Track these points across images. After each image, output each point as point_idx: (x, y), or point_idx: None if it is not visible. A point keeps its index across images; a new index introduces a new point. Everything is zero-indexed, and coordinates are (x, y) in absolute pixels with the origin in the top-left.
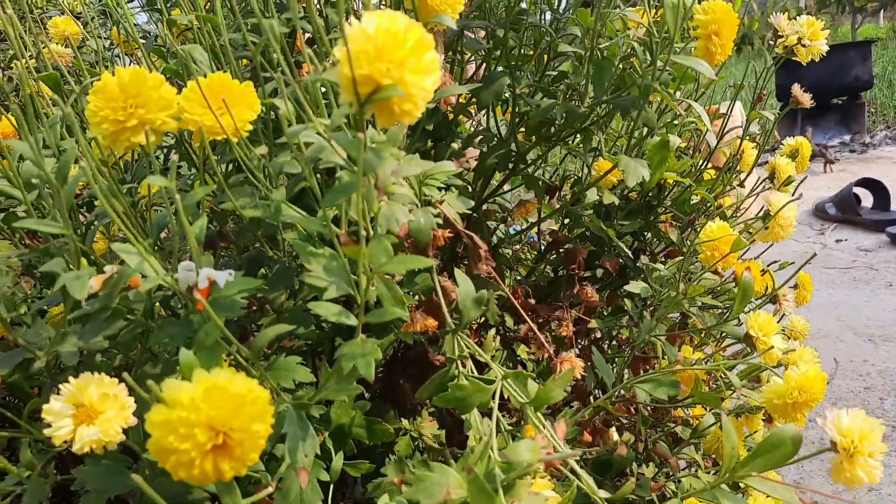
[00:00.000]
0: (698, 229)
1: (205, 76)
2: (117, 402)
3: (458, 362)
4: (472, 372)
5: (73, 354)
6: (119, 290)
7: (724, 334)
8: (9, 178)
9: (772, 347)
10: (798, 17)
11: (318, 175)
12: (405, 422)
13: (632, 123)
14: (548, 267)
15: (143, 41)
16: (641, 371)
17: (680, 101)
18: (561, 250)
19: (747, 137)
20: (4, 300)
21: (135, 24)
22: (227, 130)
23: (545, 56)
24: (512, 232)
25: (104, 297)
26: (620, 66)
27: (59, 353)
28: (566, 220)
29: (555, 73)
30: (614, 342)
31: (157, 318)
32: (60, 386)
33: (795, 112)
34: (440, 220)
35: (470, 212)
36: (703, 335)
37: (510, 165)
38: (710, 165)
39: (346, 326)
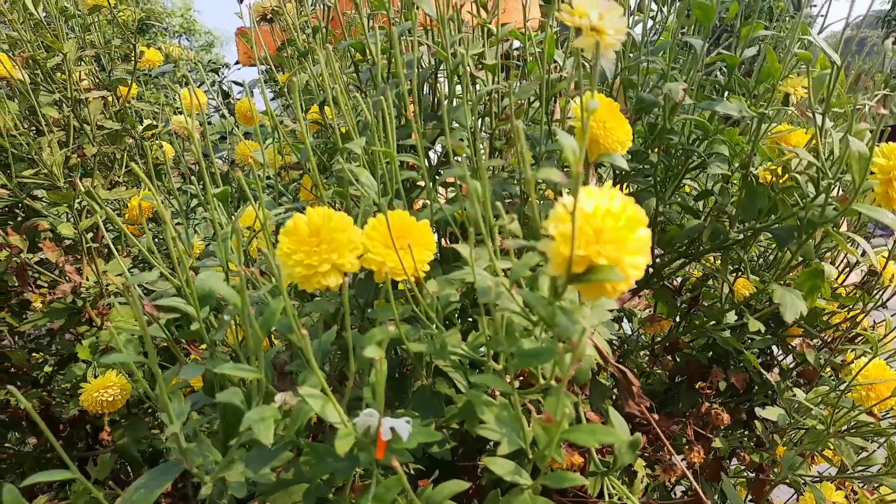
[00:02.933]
0: (838, 353)
1: (375, 204)
2: None
3: None
4: None
5: (241, 486)
6: (296, 430)
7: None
8: (185, 296)
9: None
10: None
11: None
12: None
13: (785, 252)
14: (660, 366)
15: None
16: (764, 491)
17: (847, 237)
18: (677, 356)
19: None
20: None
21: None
22: (408, 271)
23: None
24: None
25: (283, 433)
26: (776, 194)
27: (225, 481)
28: (682, 322)
29: (697, 190)
30: (735, 459)
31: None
32: None
33: None
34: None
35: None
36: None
37: (645, 279)
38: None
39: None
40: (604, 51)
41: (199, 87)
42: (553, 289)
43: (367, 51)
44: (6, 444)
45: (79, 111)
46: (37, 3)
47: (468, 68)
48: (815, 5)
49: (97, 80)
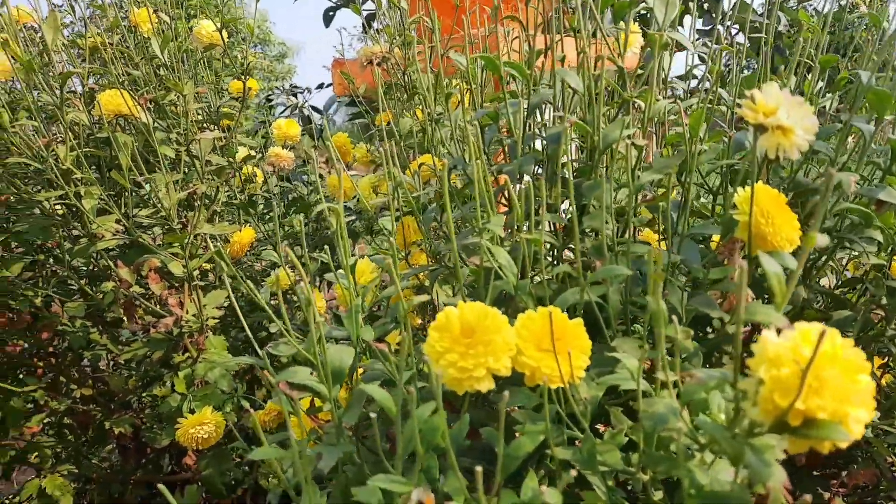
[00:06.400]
0: None
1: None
2: None
3: None
4: None
5: None
6: None
7: None
8: (315, 367)
9: None
10: None
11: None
12: None
13: None
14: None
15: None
16: None
17: None
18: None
19: None
20: None
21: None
22: (565, 377)
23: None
24: None
25: None
26: None
27: None
28: None
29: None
30: None
31: None
32: None
33: None
34: None
35: None
36: None
37: None
38: None
39: None
40: (789, 152)
41: (282, 112)
42: (749, 429)
43: (506, 121)
44: (94, 462)
45: (191, 148)
46: (163, 47)
47: (624, 146)
48: None
49: (206, 115)
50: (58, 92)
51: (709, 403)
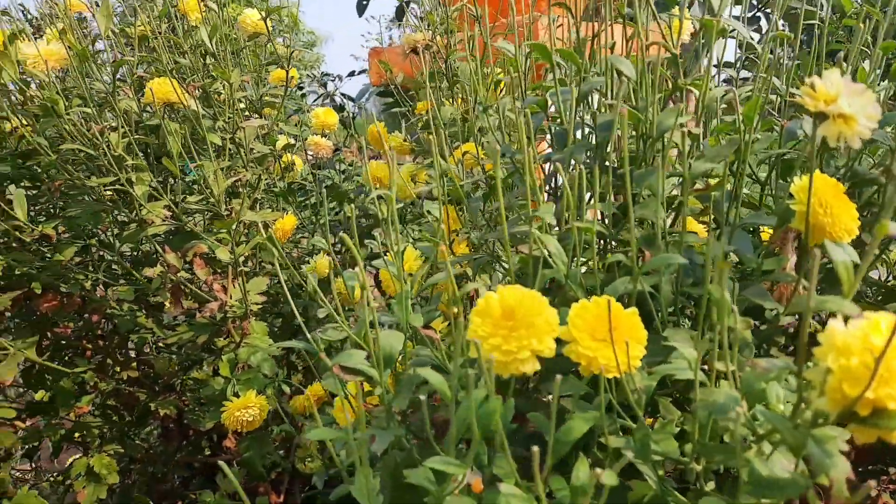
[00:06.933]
0: None
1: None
2: None
3: None
4: None
5: None
6: None
7: None
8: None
9: None
10: None
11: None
12: None
13: None
14: None
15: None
16: None
17: None
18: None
19: None
20: None
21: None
22: (622, 368)
23: None
24: None
25: None
26: None
27: None
28: None
29: None
30: None
31: None
32: None
33: None
34: None
35: None
36: None
37: None
38: None
39: None
40: (850, 140)
41: (315, 101)
42: (812, 420)
43: (554, 108)
44: (137, 442)
45: (235, 136)
46: (212, 35)
47: (679, 134)
48: None
49: (248, 103)
50: (109, 80)
51: (766, 394)
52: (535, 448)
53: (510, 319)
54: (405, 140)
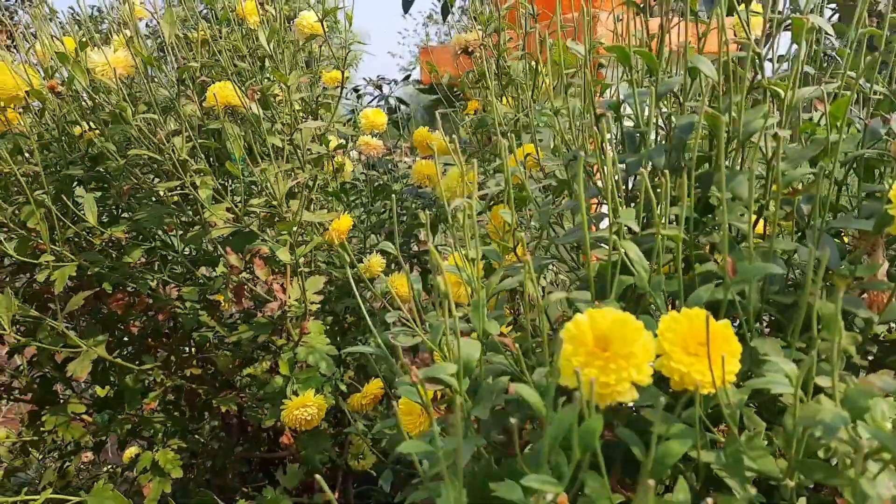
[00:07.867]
0: None
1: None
2: None
3: None
4: None
5: None
6: None
7: None
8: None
9: None
10: None
11: None
12: None
13: None
14: None
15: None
16: None
17: None
18: None
19: None
20: None
21: None
22: (717, 383)
23: None
24: None
25: None
26: None
27: None
28: None
29: None
30: None
31: None
32: None
33: None
34: None
35: None
36: None
37: None
38: None
39: None
40: None
41: (369, 102)
42: None
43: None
44: (197, 436)
45: (293, 137)
46: (270, 39)
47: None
48: None
49: (303, 104)
50: (173, 86)
51: (872, 410)
52: (651, 482)
53: (605, 349)
54: (451, 140)
